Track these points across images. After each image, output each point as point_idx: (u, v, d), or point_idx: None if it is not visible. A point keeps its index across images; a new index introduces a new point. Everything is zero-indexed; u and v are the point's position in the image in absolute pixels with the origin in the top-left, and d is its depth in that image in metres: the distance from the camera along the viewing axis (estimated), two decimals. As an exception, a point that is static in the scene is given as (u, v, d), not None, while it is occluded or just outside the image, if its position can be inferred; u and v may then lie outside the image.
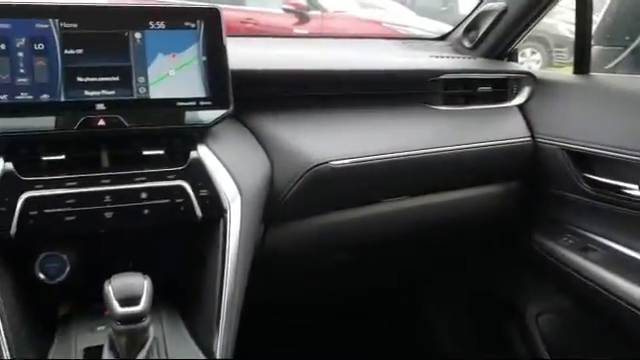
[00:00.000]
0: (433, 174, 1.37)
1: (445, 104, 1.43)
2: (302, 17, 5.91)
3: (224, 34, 1.03)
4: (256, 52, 1.39)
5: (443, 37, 1.71)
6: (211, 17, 1.03)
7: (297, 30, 5.75)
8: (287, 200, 1.17)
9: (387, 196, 1.35)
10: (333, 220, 1.29)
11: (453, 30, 1.68)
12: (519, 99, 1.52)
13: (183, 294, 1.07)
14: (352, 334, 1.79)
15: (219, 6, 1.05)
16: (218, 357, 0.95)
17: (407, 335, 1.90)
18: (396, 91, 1.39)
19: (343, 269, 1.54)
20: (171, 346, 0.96)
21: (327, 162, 1.19)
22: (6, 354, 0.87)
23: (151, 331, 0.85)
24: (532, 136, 1.46)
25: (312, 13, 5.93)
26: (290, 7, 5.93)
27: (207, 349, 0.96)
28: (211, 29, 1.02)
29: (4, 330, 0.88)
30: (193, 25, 1.02)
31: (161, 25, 1.00)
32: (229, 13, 1.04)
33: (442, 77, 1.40)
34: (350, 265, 1.52)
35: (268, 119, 1.22)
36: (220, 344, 0.95)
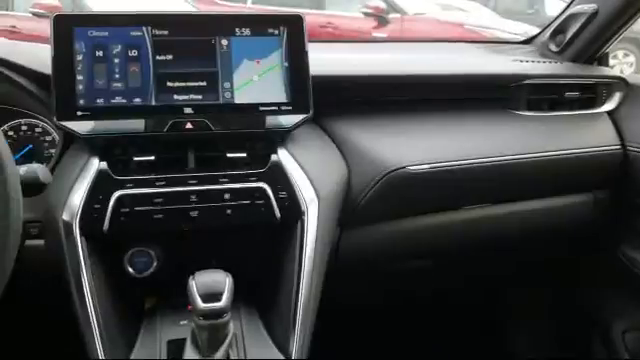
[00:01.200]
0: (515, 182, 1.33)
1: (529, 109, 1.38)
2: (381, 20, 5.89)
3: (306, 40, 1.06)
4: (336, 57, 1.41)
5: (528, 41, 1.66)
6: (294, 24, 1.05)
7: (376, 34, 5.74)
8: (363, 204, 1.17)
9: (466, 203, 1.33)
10: (409, 226, 1.28)
11: (539, 33, 1.62)
12: (609, 105, 1.45)
13: (261, 293, 1.10)
14: (424, 339, 1.77)
15: (302, 12, 1.07)
16: (294, 357, 0.97)
17: (483, 346, 1.85)
18: (477, 96, 1.36)
19: (418, 275, 1.53)
20: (249, 343, 0.99)
21: (404, 167, 1.18)
22: (97, 341, 0.93)
23: (231, 327, 0.88)
24: (622, 144, 1.39)
25: (391, 16, 5.89)
26: (369, 10, 5.92)
27: (284, 348, 0.98)
28: (294, 35, 1.05)
29: (96, 318, 0.94)
30: (277, 32, 1.05)
31: (246, 32, 1.04)
32: (309, 17, 1.06)
33: (526, 82, 1.36)
34: (425, 272, 1.50)
35: (347, 123, 1.23)
36: (296, 344, 0.97)
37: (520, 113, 1.37)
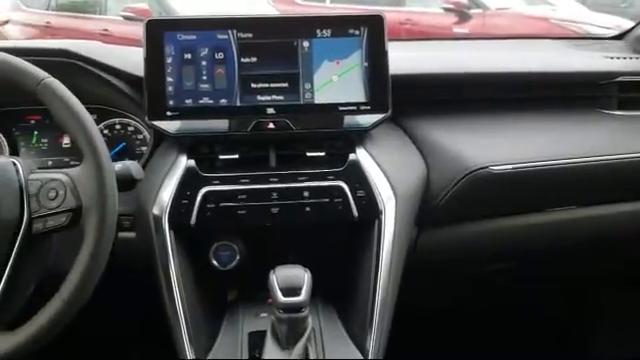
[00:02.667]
0: (605, 184, 1.26)
1: (620, 109, 1.31)
2: (462, 16, 5.75)
3: (386, 40, 1.06)
4: (416, 55, 1.40)
5: (620, 36, 1.58)
6: (375, 24, 1.06)
7: (457, 30, 5.62)
8: (442, 204, 1.16)
9: (552, 205, 1.28)
10: (490, 228, 1.25)
11: (633, 28, 1.54)
12: None
13: (338, 291, 1.12)
14: (500, 342, 1.72)
15: (382, 11, 1.08)
16: (371, 356, 0.98)
17: (564, 349, 1.78)
18: (564, 94, 1.31)
19: (496, 278, 1.49)
20: (327, 338, 1.01)
21: (487, 167, 1.15)
22: (184, 329, 0.98)
23: (309, 321, 0.90)
24: None
25: (473, 12, 5.75)
26: (450, 6, 5.80)
27: (360, 346, 1.00)
28: (374, 35, 1.06)
29: (183, 307, 0.99)
30: (357, 32, 1.06)
31: (327, 33, 1.06)
32: (387, 14, 1.07)
33: (618, 80, 1.30)
34: (504, 275, 1.47)
35: (426, 122, 1.22)
36: (373, 343, 0.98)
37: (610, 112, 1.31)
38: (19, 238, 0.81)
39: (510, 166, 1.17)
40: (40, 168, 0.91)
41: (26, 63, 0.85)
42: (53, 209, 0.82)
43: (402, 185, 1.09)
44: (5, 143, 1.18)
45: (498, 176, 1.16)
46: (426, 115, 1.23)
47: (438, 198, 1.16)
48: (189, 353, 0.97)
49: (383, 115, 1.06)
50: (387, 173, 1.07)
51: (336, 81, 1.06)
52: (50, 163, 1.19)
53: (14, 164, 0.85)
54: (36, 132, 1.20)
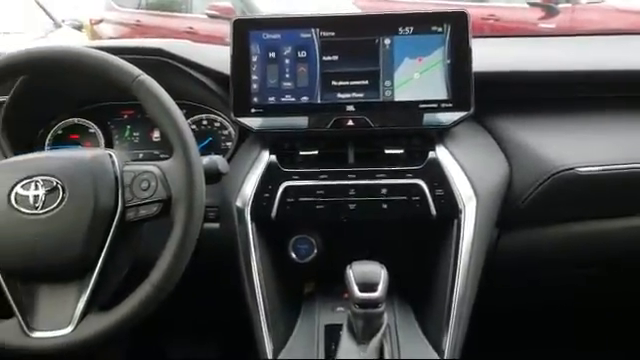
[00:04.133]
0: None
1: None
2: (549, 10, 5.51)
3: (470, 37, 1.04)
4: (500, 52, 1.37)
5: None
6: (458, 21, 1.04)
7: (543, 25, 5.38)
8: (525, 206, 1.13)
9: None
10: (576, 231, 1.20)
11: None
12: None
13: (414, 289, 1.12)
14: (581, 344, 1.65)
15: (466, 8, 1.06)
16: (447, 355, 0.97)
17: None
18: None
19: (580, 281, 1.43)
20: (402, 336, 1.01)
21: (573, 168, 1.11)
22: (262, 318, 1.02)
23: (385, 318, 0.91)
24: None
25: (561, 6, 5.50)
26: (537, 0, 5.58)
27: (436, 345, 0.99)
28: (458, 32, 1.04)
29: (262, 296, 1.03)
30: (440, 29, 1.05)
31: (409, 31, 1.05)
32: (470, 10, 1.05)
33: None
34: (592, 280, 1.40)
35: (509, 121, 1.19)
36: (449, 342, 0.98)
37: None
38: (114, 226, 0.86)
39: (597, 168, 1.12)
40: (132, 160, 0.97)
41: (122, 61, 0.90)
42: (145, 199, 0.87)
43: (483, 184, 1.07)
44: (101, 135, 1.26)
45: (584, 178, 1.11)
46: (509, 114, 1.20)
47: (521, 199, 1.13)
48: (267, 341, 1.00)
49: (465, 113, 1.05)
50: (468, 172, 1.06)
51: (417, 78, 1.06)
52: (141, 155, 1.26)
53: (110, 156, 0.91)
54: (129, 126, 1.27)
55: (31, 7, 4.65)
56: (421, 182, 1.04)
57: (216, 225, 1.14)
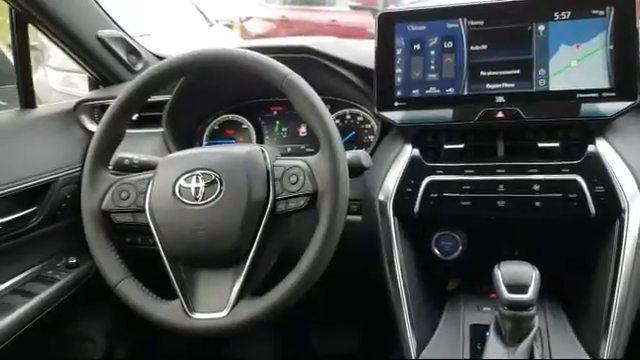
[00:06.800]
0: None
1: None
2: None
3: (636, 20, 0.95)
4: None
5: None
6: (623, 2, 0.95)
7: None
8: None
9: None
10: None
11: None
12: None
13: (567, 291, 1.05)
14: None
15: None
16: None
17: None
18: None
19: None
20: (555, 340, 0.96)
21: None
22: (405, 313, 1.01)
23: (536, 321, 0.86)
24: None
25: None
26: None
27: (592, 352, 0.93)
28: (622, 15, 0.95)
29: (405, 290, 1.03)
30: (602, 12, 0.96)
31: (566, 15, 0.98)
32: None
33: None
34: None
35: None
36: (608, 349, 0.90)
37: None
38: (265, 217, 0.91)
39: None
40: (281, 154, 1.01)
41: (274, 61, 0.94)
42: (294, 192, 0.90)
43: None
44: (253, 131, 1.34)
45: None
46: None
47: None
48: (411, 339, 1.00)
49: (630, 103, 0.96)
50: (632, 168, 0.97)
51: (575, 66, 0.98)
52: (289, 149, 1.31)
53: (262, 151, 0.95)
54: (278, 122, 1.33)
55: (186, 8, 4.98)
56: (579, 178, 0.97)
57: (358, 218, 1.15)
